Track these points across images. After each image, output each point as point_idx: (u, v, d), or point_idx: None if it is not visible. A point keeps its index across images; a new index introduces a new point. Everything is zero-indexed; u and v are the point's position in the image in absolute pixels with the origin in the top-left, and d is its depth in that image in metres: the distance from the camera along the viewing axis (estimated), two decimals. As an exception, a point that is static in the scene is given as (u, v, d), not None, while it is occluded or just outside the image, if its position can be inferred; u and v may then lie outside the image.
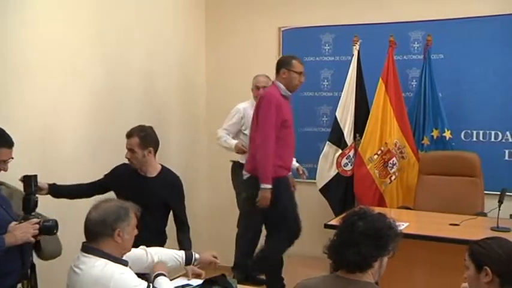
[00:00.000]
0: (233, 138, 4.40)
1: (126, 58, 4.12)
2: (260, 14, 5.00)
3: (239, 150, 4.29)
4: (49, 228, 2.41)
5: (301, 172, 4.33)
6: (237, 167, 4.42)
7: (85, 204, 2.74)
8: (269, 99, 3.73)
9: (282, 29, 4.92)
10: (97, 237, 2.21)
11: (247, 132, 4.26)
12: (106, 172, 3.33)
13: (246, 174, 3.96)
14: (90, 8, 3.76)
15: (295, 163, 4.32)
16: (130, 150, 3.16)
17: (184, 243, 3.22)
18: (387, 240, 1.90)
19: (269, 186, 3.67)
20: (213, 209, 5.24)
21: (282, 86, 3.83)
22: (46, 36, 3.39)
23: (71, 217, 2.96)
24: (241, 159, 4.28)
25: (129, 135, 3.17)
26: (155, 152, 3.24)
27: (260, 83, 4.32)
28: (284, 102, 3.80)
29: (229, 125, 4.42)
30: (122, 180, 3.18)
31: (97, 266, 2.16)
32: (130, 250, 2.35)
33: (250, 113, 4.17)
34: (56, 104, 3.49)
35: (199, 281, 2.77)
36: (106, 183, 3.25)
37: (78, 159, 3.65)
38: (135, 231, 2.32)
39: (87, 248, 2.23)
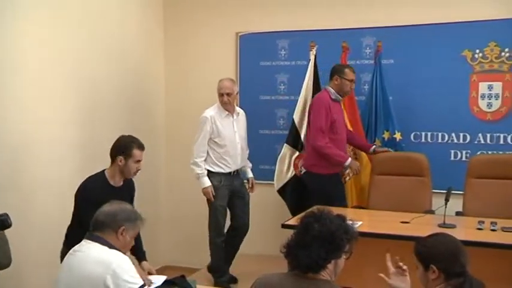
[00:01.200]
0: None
1: (82, 63, 4.10)
2: (218, 19, 5.06)
3: (206, 195, 4.21)
4: (2, 222, 2.44)
5: (250, 185, 4.47)
6: (208, 174, 4.30)
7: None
8: (319, 103, 4.15)
9: (239, 34, 5.00)
10: (103, 228, 2.31)
11: (217, 140, 4.20)
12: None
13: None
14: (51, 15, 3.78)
15: (250, 173, 4.45)
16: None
17: (138, 239, 3.25)
18: (340, 244, 1.93)
19: (349, 161, 4.13)
20: (174, 213, 5.27)
21: (332, 90, 4.18)
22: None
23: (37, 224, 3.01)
24: (210, 167, 4.23)
25: (144, 147, 3.21)
26: None
27: (224, 89, 4.17)
28: (333, 104, 4.15)
29: (201, 140, 4.19)
30: (98, 196, 2.89)
31: (101, 248, 2.27)
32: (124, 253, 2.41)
33: (219, 119, 4.19)
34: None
35: (159, 277, 2.87)
36: (89, 212, 2.78)
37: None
38: (133, 242, 2.43)
39: (92, 236, 2.32)
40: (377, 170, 4.29)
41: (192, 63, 5.18)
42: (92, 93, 4.24)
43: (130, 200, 3.28)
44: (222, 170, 4.24)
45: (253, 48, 4.97)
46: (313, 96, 4.50)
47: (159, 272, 3.51)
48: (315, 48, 4.53)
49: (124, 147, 3.14)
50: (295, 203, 4.46)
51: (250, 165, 4.51)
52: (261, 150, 4.89)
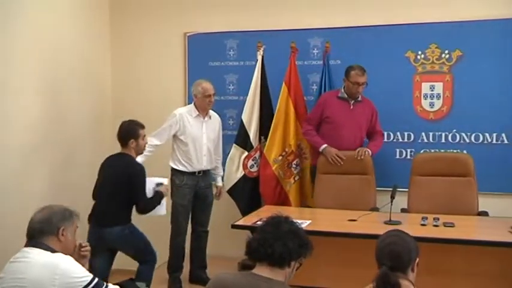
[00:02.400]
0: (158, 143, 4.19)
1: (26, 64, 3.97)
2: (166, 19, 5.01)
3: None
4: None
5: (217, 194, 4.47)
6: (174, 172, 4.28)
7: None
8: (319, 98, 4.42)
9: (188, 34, 4.97)
10: (42, 235, 2.30)
11: (182, 138, 4.16)
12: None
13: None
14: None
15: (219, 181, 4.46)
16: None
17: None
18: (307, 246, 2.03)
19: (322, 147, 4.28)
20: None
21: (342, 89, 4.33)
22: None
23: None
24: (175, 164, 4.22)
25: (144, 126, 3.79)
26: None
27: (210, 91, 4.19)
28: (336, 101, 4.32)
29: (160, 130, 4.18)
30: None
31: (45, 254, 2.24)
32: (71, 252, 2.40)
33: (188, 118, 4.16)
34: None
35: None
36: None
37: None
38: (75, 240, 2.43)
39: (33, 243, 2.29)
40: (322, 169, 4.33)
41: (140, 64, 5.11)
42: (38, 95, 4.12)
43: None
44: (185, 169, 4.21)
45: (202, 48, 4.95)
46: (260, 97, 4.54)
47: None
48: (262, 49, 4.56)
49: (132, 131, 3.72)
50: (246, 203, 4.48)
51: (222, 173, 4.49)
52: (210, 151, 4.89)
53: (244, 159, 4.56)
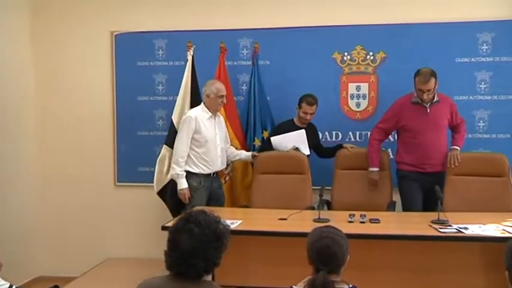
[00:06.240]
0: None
1: None
2: (91, 17, 4.88)
3: (181, 196, 4.12)
4: None
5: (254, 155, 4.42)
6: (188, 175, 4.19)
7: None
8: (392, 104, 4.23)
9: (115, 33, 4.85)
10: None
11: (198, 138, 4.13)
12: None
13: None
14: None
15: (245, 153, 4.45)
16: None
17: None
18: (224, 238, 1.96)
19: (374, 169, 4.24)
20: (48, 219, 4.98)
21: (414, 93, 4.09)
22: None
23: None
24: (191, 168, 4.16)
25: (313, 103, 4.34)
26: None
27: (224, 91, 4.20)
28: (411, 108, 4.10)
29: (186, 139, 4.11)
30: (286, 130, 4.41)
31: None
32: None
33: (202, 120, 4.12)
34: None
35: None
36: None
37: None
38: None
39: None
40: (259, 170, 4.36)
41: (65, 64, 4.95)
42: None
43: (313, 135, 4.48)
44: (202, 171, 4.17)
45: (130, 48, 4.85)
46: (191, 97, 4.50)
47: (29, 285, 3.32)
48: (192, 49, 4.53)
49: (299, 101, 4.34)
50: (176, 205, 4.41)
51: (240, 149, 4.50)
52: (139, 152, 4.81)
53: (175, 160, 4.50)
